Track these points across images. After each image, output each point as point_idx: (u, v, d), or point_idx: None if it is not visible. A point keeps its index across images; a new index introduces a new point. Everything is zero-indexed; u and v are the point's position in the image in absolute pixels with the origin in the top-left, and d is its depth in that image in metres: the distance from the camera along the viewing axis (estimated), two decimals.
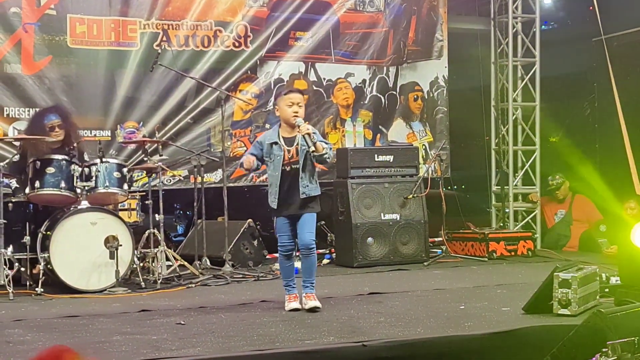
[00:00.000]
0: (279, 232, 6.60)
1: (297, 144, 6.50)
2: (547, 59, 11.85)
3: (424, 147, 11.87)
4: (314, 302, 6.51)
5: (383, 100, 11.67)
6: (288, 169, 6.50)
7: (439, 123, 12.04)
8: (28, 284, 7.80)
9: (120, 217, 8.16)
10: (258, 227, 10.02)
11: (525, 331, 5.43)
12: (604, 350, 3.39)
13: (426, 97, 11.97)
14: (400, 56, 11.74)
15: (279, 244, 6.61)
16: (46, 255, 7.70)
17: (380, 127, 11.64)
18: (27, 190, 7.92)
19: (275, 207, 6.53)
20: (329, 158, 6.59)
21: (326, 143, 6.52)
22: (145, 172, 8.90)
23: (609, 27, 10.43)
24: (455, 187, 12.61)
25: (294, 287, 6.65)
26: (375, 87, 11.59)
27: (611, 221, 10.44)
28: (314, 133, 6.42)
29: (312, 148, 6.33)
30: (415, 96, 11.91)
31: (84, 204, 7.98)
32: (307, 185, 6.49)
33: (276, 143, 6.53)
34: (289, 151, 6.51)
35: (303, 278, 6.59)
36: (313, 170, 6.58)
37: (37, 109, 9.29)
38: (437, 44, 12.01)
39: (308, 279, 6.58)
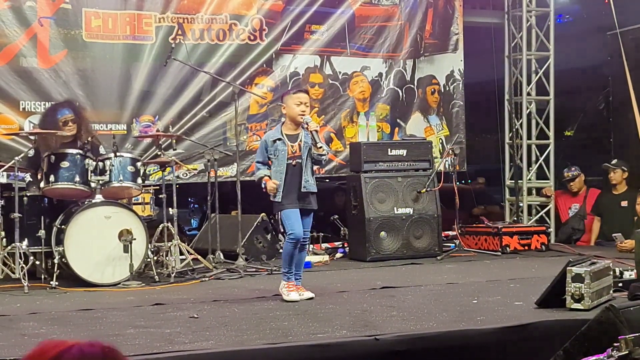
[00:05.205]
0: (290, 220, 6.75)
1: (300, 141, 6.84)
2: (561, 53, 11.81)
3: (440, 141, 11.85)
4: (310, 293, 6.81)
5: (401, 93, 11.64)
6: (293, 163, 6.80)
7: (455, 117, 12.01)
8: (43, 277, 7.85)
9: (134, 211, 8.20)
10: (271, 221, 10.03)
11: (538, 325, 5.42)
12: (616, 344, 3.38)
13: (442, 90, 11.95)
14: (418, 49, 11.70)
15: (289, 232, 6.74)
16: (61, 248, 7.74)
17: (398, 120, 11.61)
18: (41, 184, 7.96)
19: (280, 200, 6.76)
20: (324, 160, 7.18)
21: (327, 145, 6.96)
22: (159, 166, 8.92)
23: (624, 21, 10.42)
24: (470, 180, 12.60)
25: (292, 275, 6.82)
26: (392, 81, 11.56)
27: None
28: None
29: (320, 144, 6.74)
30: (433, 89, 11.89)
31: (98, 198, 8.02)
32: (308, 181, 6.83)
33: (280, 139, 6.84)
34: (292, 146, 6.83)
35: (294, 270, 6.84)
36: (313, 167, 6.91)
37: (52, 103, 9.32)
38: (453, 37, 11.98)
39: (298, 271, 6.89)
